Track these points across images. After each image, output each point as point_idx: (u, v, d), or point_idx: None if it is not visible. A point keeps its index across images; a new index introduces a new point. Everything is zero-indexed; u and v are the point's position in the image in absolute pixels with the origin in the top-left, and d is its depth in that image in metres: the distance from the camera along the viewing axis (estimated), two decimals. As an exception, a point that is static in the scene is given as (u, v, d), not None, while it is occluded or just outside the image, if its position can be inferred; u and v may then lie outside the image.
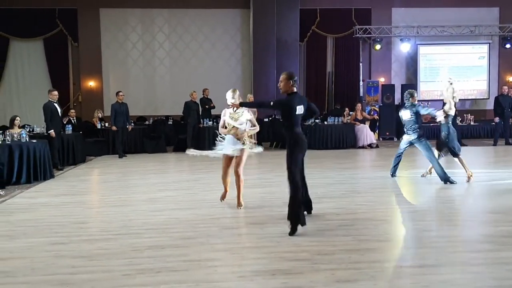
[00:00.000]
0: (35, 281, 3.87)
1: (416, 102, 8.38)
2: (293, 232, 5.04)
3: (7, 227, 5.60)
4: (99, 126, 14.25)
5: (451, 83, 8.44)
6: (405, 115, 8.34)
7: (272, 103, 5.56)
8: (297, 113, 5.26)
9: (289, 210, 5.16)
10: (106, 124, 14.32)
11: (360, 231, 5.21)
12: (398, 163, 8.74)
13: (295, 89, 5.38)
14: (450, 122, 8.38)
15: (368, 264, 4.14)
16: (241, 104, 5.91)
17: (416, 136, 8.29)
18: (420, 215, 6.02)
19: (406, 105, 8.43)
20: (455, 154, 8.38)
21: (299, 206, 5.16)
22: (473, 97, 19.59)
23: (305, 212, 5.67)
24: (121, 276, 3.94)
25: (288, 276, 3.87)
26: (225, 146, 6.34)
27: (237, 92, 6.33)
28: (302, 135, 5.30)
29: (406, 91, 8.56)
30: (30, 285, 3.79)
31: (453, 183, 7.96)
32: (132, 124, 14.30)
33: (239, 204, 6.36)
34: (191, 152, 6.62)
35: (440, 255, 4.36)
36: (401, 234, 5.28)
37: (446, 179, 8.03)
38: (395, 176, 8.72)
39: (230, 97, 6.26)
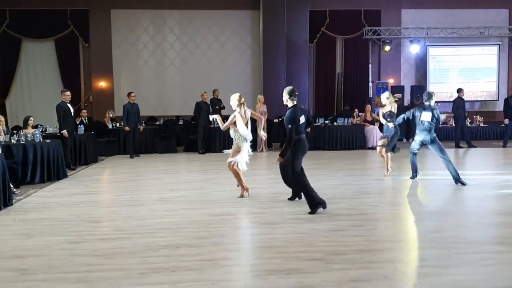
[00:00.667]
0: (53, 279, 3.95)
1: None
2: (314, 211, 6.00)
3: (24, 226, 5.70)
4: (110, 126, 14.38)
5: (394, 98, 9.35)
6: (426, 116, 8.29)
7: (289, 126, 6.15)
8: (300, 122, 6.21)
9: (307, 199, 6.08)
10: (117, 124, 14.44)
11: (372, 232, 5.26)
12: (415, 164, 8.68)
13: (294, 102, 6.31)
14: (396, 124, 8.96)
15: (380, 264, 4.19)
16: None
17: (432, 137, 8.24)
18: (430, 216, 6.05)
19: (425, 106, 8.34)
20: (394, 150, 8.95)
21: (312, 191, 6.07)
22: (483, 99, 19.52)
23: (289, 198, 6.83)
24: (137, 274, 4.01)
25: (302, 275, 3.92)
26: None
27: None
28: (304, 139, 6.23)
29: (426, 92, 8.57)
30: (49, 283, 3.87)
31: (464, 184, 7.97)
32: (144, 124, 14.40)
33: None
34: (226, 151, 7.35)
35: (452, 255, 4.39)
36: (412, 235, 5.31)
37: (457, 179, 8.04)
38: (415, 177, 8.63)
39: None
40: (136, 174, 10.00)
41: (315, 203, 6.03)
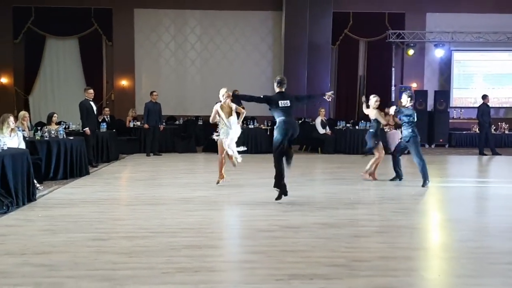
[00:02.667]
0: (78, 276, 4.00)
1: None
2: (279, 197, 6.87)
3: (48, 222, 5.79)
4: (131, 125, 14.52)
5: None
6: None
7: (262, 96, 7.19)
8: (280, 106, 6.85)
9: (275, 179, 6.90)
10: (138, 123, 14.58)
11: (396, 239, 5.22)
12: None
13: (280, 89, 7.07)
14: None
15: (405, 272, 4.15)
16: (234, 96, 7.97)
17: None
18: (455, 224, 5.98)
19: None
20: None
21: (281, 176, 6.84)
22: (508, 105, 19.21)
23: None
24: (161, 273, 4.05)
25: (326, 281, 3.91)
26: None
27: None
28: (285, 123, 6.81)
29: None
30: (75, 280, 3.93)
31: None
32: (164, 123, 14.52)
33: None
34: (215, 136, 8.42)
35: (479, 266, 4.33)
36: (437, 243, 5.26)
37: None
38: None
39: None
40: (157, 173, 10.09)
41: (277, 184, 6.87)
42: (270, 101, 6.98)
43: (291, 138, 6.92)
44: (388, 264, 4.32)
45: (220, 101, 8.24)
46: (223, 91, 8.25)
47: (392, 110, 8.97)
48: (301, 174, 9.92)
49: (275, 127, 6.97)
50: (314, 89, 17.92)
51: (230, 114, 8.20)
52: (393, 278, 3.99)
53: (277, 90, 7.08)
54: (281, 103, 6.87)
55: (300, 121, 16.05)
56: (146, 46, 18.65)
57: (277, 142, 6.84)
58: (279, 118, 6.89)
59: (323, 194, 7.85)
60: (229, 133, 8.14)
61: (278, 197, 6.90)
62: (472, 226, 5.90)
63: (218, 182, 8.42)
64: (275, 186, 6.92)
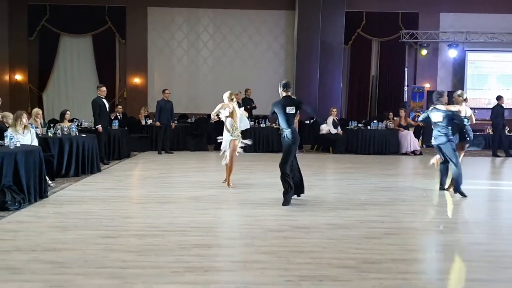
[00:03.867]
0: (88, 273, 4.00)
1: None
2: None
3: (59, 219, 5.81)
4: (143, 123, 14.56)
5: None
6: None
7: (272, 109, 6.91)
8: (287, 112, 6.73)
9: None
10: (150, 121, 14.60)
11: (406, 241, 5.15)
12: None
13: (286, 93, 6.85)
14: None
15: (416, 275, 4.10)
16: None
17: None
18: (467, 227, 5.90)
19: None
20: None
21: (289, 183, 6.73)
22: (522, 107, 18.96)
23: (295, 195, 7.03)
24: (170, 272, 4.03)
25: (336, 282, 3.87)
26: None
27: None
28: (296, 132, 6.86)
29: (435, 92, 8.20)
30: (84, 277, 3.93)
31: (464, 196, 7.58)
32: (176, 121, 14.53)
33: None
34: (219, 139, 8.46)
35: (492, 270, 4.26)
36: (449, 246, 5.17)
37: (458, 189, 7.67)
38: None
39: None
40: (168, 171, 10.10)
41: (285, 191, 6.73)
42: (278, 106, 6.81)
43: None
44: (399, 267, 4.26)
45: (233, 104, 8.23)
46: (227, 95, 8.24)
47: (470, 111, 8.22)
48: (312, 173, 9.86)
49: (286, 134, 6.81)
50: (326, 88, 17.89)
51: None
52: (403, 281, 3.94)
53: (283, 94, 6.88)
54: (288, 109, 6.77)
55: (311, 121, 16.00)
56: (159, 44, 18.71)
57: (290, 154, 6.77)
58: (289, 127, 6.79)
59: (334, 195, 7.81)
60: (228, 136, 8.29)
61: (286, 201, 6.75)
62: (485, 229, 5.82)
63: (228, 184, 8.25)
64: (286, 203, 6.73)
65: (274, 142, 13.90)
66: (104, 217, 5.88)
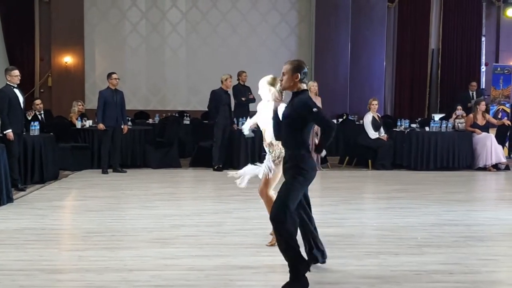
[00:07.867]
0: None
1: None
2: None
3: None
4: (78, 125, 14.48)
5: None
6: None
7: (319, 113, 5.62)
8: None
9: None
10: (90, 122, 14.55)
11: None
12: None
13: (305, 86, 5.67)
14: None
15: None
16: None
17: None
18: None
19: None
20: None
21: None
22: None
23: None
24: None
25: None
26: None
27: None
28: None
29: None
30: None
31: None
32: (129, 123, 14.52)
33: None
34: (231, 173, 7.11)
35: None
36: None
37: None
38: None
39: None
40: (118, 200, 10.10)
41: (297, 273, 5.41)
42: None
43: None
44: None
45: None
46: (264, 83, 7.20)
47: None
48: (341, 201, 9.85)
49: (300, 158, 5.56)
50: (361, 69, 17.96)
51: None
52: None
53: (303, 87, 5.70)
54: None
55: (342, 119, 16.05)
56: (102, 3, 18.73)
57: (299, 192, 5.57)
58: (307, 142, 5.65)
59: (375, 232, 7.81)
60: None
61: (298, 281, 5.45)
62: None
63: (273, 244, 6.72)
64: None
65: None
66: (19, 273, 5.84)
